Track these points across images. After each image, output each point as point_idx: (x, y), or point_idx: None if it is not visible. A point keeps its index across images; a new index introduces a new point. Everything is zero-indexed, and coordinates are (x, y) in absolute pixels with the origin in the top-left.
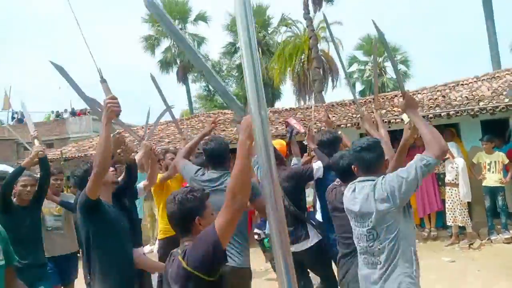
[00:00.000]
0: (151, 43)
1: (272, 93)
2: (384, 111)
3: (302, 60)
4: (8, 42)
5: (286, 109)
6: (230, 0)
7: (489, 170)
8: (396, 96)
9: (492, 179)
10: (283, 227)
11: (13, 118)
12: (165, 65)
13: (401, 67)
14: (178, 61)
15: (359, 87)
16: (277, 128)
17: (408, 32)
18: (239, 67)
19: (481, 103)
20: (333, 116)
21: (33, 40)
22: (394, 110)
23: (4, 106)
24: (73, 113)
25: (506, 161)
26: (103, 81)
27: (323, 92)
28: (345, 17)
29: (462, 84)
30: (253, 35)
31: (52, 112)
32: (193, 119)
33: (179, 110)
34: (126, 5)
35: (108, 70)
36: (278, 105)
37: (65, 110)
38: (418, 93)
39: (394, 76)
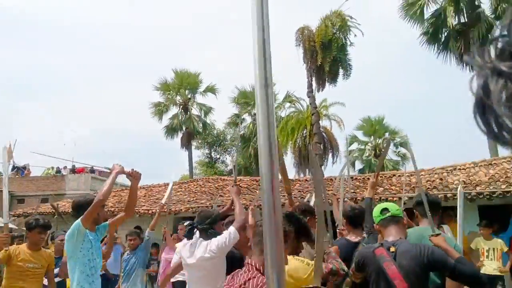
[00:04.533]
0: (160, 110)
1: None
2: (382, 189)
3: (304, 135)
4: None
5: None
6: (239, 76)
7: (487, 257)
8: (394, 175)
9: (491, 266)
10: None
11: (13, 169)
12: (171, 130)
13: (401, 149)
14: (184, 128)
15: (358, 165)
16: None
17: (408, 115)
18: (243, 137)
19: (478, 188)
20: (330, 190)
21: (45, 96)
22: (391, 188)
23: (8, 158)
24: (73, 170)
25: (506, 248)
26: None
27: (322, 167)
28: (347, 97)
29: (459, 169)
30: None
31: (52, 168)
32: (192, 183)
33: (179, 175)
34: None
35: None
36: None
37: (65, 167)
38: (416, 174)
39: (394, 158)
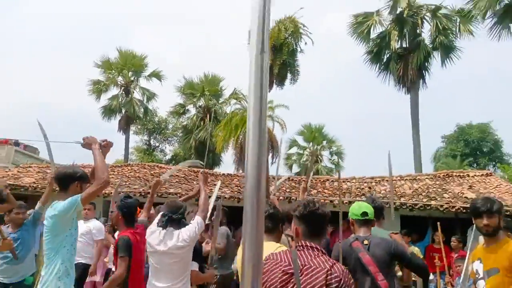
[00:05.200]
0: (99, 88)
1: (212, 158)
2: (316, 191)
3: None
4: None
5: (224, 174)
6: (187, 65)
7: None
8: (328, 180)
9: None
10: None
11: None
12: (108, 111)
13: (335, 157)
14: (123, 111)
15: (296, 168)
16: (211, 189)
17: (346, 126)
18: (185, 128)
19: (402, 199)
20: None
21: None
22: (324, 192)
23: None
24: None
25: (421, 256)
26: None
27: None
28: (292, 102)
29: (387, 180)
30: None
31: None
32: (126, 168)
33: (113, 159)
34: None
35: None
36: (217, 170)
37: None
38: (348, 181)
39: (328, 165)
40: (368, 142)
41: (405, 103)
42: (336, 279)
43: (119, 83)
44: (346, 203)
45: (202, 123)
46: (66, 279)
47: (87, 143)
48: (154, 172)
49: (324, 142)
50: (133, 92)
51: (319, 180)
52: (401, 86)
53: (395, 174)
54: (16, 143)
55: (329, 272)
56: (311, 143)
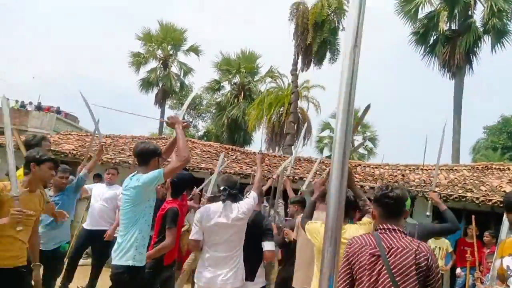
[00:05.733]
0: (138, 61)
1: (244, 137)
2: None
3: (280, 112)
4: None
5: (255, 153)
6: (225, 40)
7: None
8: (359, 165)
9: None
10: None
11: None
12: (146, 84)
13: (368, 143)
14: (160, 84)
15: (326, 153)
16: (241, 167)
17: (383, 110)
18: (219, 104)
19: (436, 189)
20: (297, 169)
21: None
22: (355, 177)
23: None
24: (39, 108)
25: (450, 249)
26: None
27: (292, 147)
28: (329, 82)
29: (422, 169)
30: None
31: (17, 101)
32: (161, 141)
33: (147, 132)
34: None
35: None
36: (248, 148)
37: (30, 103)
38: (380, 167)
39: (360, 151)
40: (404, 128)
41: (448, 89)
42: (425, 258)
43: (158, 56)
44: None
45: (235, 101)
46: (143, 249)
47: (172, 122)
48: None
49: (359, 127)
50: (171, 66)
51: (350, 165)
52: (446, 70)
53: (431, 163)
54: (58, 111)
55: (417, 251)
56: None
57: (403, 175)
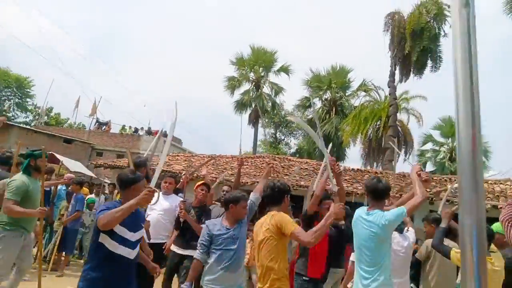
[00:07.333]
0: (233, 84)
1: (337, 152)
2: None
3: (377, 126)
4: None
5: (353, 169)
6: (314, 58)
7: None
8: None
9: None
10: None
11: (96, 123)
12: (241, 106)
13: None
14: (253, 105)
15: (430, 167)
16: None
17: (492, 120)
18: (310, 121)
19: None
20: (397, 185)
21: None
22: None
23: (91, 112)
24: (149, 132)
25: None
26: None
27: (393, 162)
28: (430, 93)
29: None
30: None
31: (130, 127)
32: (258, 159)
33: (242, 151)
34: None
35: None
36: (344, 165)
37: (141, 128)
38: (500, 183)
39: None
40: None
41: None
42: None
43: (250, 78)
44: (500, 207)
45: (327, 116)
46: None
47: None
48: (283, 164)
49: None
50: (263, 87)
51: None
52: None
53: None
54: (165, 134)
55: None
56: (449, 139)
57: None
